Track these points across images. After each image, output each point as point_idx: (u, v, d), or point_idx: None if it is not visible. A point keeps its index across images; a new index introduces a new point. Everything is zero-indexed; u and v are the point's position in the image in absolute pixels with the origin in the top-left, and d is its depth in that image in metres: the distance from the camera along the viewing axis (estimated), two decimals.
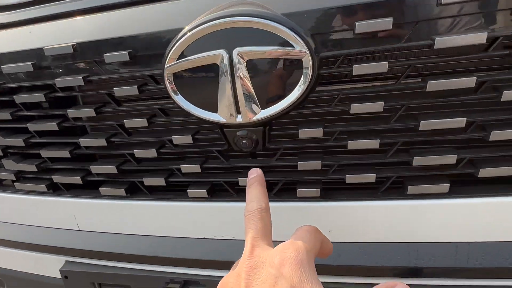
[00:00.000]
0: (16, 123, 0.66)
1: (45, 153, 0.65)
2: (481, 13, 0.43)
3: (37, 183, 0.69)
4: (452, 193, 0.49)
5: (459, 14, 0.43)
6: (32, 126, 0.64)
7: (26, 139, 0.66)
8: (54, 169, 0.68)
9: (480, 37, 0.42)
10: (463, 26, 0.43)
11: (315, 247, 0.39)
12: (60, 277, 0.69)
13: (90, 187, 0.67)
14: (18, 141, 0.66)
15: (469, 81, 0.44)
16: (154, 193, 0.63)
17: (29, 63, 0.59)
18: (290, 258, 0.35)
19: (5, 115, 0.65)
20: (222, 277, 0.43)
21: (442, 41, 0.43)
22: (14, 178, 0.71)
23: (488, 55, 0.44)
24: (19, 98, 0.62)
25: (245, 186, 0.53)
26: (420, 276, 0.51)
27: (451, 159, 0.48)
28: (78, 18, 0.60)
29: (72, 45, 0.56)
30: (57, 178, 0.67)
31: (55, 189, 0.69)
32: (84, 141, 0.62)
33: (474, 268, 0.48)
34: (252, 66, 0.48)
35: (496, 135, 0.46)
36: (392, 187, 0.52)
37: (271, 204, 0.56)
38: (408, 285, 0.51)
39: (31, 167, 0.67)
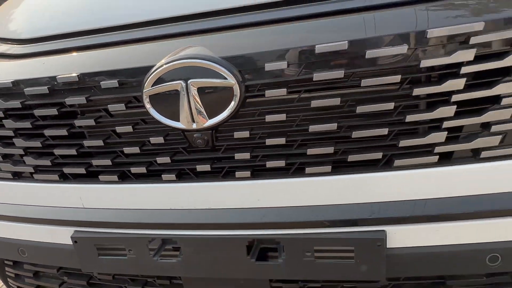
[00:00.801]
0: (34, 130, 0.90)
1: (58, 151, 0.89)
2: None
3: (51, 174, 0.93)
4: (333, 172, 0.76)
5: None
6: (48, 132, 0.88)
7: (42, 142, 0.90)
8: (64, 163, 0.92)
9: (337, 74, 0.67)
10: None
11: None
12: (71, 243, 0.93)
13: (91, 176, 0.91)
14: (36, 143, 0.90)
15: (336, 101, 0.70)
16: (139, 178, 0.88)
17: (46, 87, 0.83)
18: None
19: (26, 124, 0.89)
20: (191, 235, 0.68)
21: (317, 76, 0.68)
22: (33, 171, 0.94)
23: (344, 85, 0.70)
24: (38, 112, 0.86)
25: (203, 172, 0.78)
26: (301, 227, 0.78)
27: (331, 150, 0.74)
28: (80, 53, 0.84)
29: (78, 75, 0.80)
30: (67, 170, 0.91)
31: (65, 178, 0.93)
32: (87, 142, 0.86)
33: (335, 220, 0.75)
34: (201, 90, 0.73)
35: (356, 134, 0.72)
36: (298, 169, 0.78)
37: (222, 184, 0.82)
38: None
39: (46, 162, 0.91)
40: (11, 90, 0.88)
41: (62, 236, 0.95)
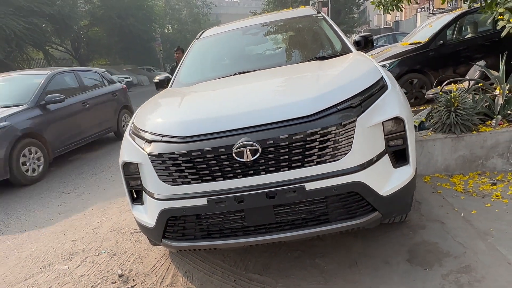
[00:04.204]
0: (193, 165, 2.77)
1: (202, 172, 2.77)
2: None
3: (197, 180, 2.79)
4: (287, 169, 2.69)
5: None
6: (199, 166, 2.76)
7: (196, 169, 2.78)
8: (203, 175, 2.78)
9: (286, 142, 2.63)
10: None
11: None
12: (206, 203, 2.77)
13: (212, 180, 2.78)
14: (193, 170, 2.77)
15: (287, 151, 2.65)
16: (228, 178, 2.76)
17: (199, 152, 2.73)
18: None
19: (190, 164, 2.77)
20: (247, 194, 2.59)
21: (283, 143, 2.63)
22: (190, 180, 2.80)
23: None
24: (196, 160, 2.74)
25: (249, 173, 2.71)
26: (282, 186, 2.69)
27: (285, 162, 2.67)
28: (209, 140, 2.76)
29: (211, 148, 2.71)
30: (204, 178, 2.78)
31: (203, 182, 2.80)
32: (213, 168, 2.75)
33: (290, 183, 2.68)
34: (249, 150, 2.65)
35: (293, 158, 2.66)
36: (275, 170, 2.70)
37: (256, 176, 2.76)
38: None
39: (196, 176, 2.78)
40: (185, 154, 2.77)
41: (201, 201, 2.80)
